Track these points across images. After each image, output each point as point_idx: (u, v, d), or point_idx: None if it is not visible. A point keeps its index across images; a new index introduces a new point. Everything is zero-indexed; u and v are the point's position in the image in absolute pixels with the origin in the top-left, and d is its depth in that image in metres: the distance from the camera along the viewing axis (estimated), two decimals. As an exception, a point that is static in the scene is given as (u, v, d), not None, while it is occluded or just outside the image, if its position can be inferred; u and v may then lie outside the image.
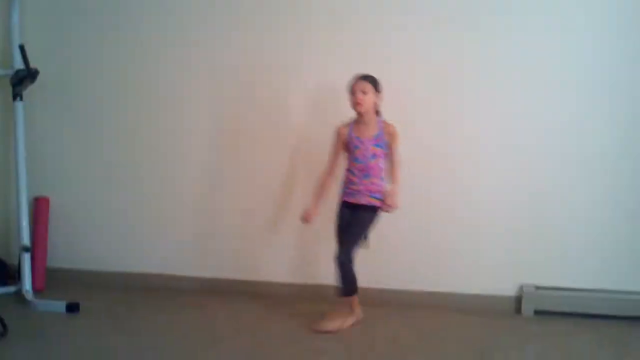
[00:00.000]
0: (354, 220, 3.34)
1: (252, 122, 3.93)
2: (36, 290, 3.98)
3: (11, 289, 4.00)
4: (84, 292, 4.04)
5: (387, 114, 3.37)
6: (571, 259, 3.56)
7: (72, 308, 3.63)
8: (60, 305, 3.65)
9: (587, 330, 3.29)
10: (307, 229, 3.55)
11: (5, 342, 3.13)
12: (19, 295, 3.93)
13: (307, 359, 2.87)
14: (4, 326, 3.26)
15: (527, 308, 3.53)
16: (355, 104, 3.23)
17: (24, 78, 3.87)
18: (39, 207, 4.26)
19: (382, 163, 3.30)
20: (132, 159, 4.20)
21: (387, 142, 3.29)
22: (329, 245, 3.39)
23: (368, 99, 3.22)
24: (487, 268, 3.63)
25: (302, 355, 2.92)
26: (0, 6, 4.17)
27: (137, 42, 4.11)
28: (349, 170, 3.34)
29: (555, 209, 3.54)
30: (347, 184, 3.35)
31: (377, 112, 3.33)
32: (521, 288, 3.57)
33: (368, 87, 3.22)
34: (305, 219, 3.40)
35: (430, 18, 3.62)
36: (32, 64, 3.79)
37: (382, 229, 3.70)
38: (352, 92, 3.24)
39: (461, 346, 3.03)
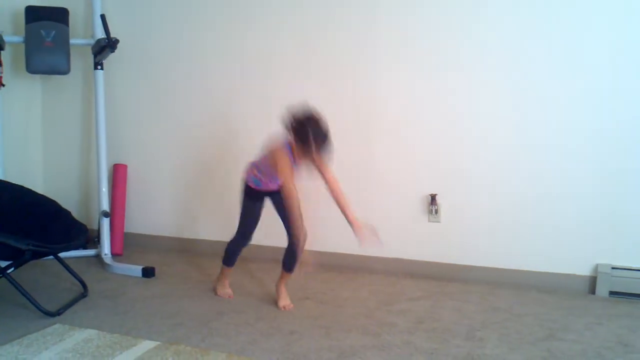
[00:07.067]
0: None
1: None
2: (114, 254, 4.17)
3: (91, 252, 4.21)
4: (158, 256, 4.20)
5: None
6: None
7: (148, 273, 3.77)
8: (136, 270, 3.79)
9: (663, 314, 3.19)
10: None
11: (85, 303, 3.28)
12: (98, 258, 4.11)
13: (379, 331, 2.89)
14: (85, 287, 3.43)
15: (602, 288, 3.45)
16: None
17: (104, 47, 3.95)
18: (118, 174, 4.41)
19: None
20: (206, 130, 4.29)
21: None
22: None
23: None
24: (562, 247, 3.56)
25: (373, 327, 2.94)
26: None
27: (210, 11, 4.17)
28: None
29: (634, 188, 3.42)
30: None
31: None
32: (596, 268, 3.48)
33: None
34: None
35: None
36: (113, 34, 3.87)
37: (459, 207, 3.68)
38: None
39: (533, 324, 2.99)
